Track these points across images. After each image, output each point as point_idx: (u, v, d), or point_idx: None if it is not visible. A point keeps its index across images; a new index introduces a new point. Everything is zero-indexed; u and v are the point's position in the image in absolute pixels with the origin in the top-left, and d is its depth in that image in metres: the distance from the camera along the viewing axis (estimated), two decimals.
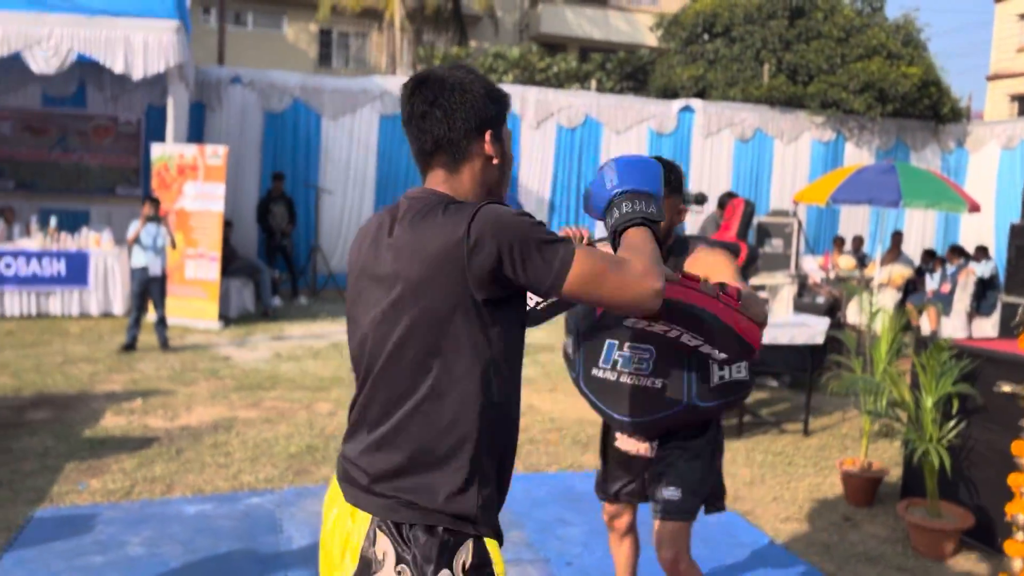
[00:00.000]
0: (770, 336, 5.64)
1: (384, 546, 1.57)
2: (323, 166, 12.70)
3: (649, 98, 14.45)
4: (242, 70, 12.67)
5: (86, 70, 11.25)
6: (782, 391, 7.12)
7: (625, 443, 2.72)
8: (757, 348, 2.36)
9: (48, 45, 8.95)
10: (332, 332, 9.18)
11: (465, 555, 1.57)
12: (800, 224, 9.09)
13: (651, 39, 21.01)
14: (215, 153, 9.30)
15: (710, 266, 2.49)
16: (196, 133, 11.95)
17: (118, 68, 9.15)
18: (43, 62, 8.99)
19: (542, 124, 13.50)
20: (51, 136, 11.90)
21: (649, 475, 2.65)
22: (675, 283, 2.18)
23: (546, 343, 9.06)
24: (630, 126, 13.71)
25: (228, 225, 10.41)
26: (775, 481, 4.88)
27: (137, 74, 9.21)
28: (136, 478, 4.49)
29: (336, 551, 1.65)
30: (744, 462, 5.20)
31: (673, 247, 2.60)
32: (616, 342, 2.52)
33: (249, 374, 7.00)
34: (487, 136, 1.66)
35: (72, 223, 10.98)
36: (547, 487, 4.54)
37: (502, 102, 1.70)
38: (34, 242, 9.56)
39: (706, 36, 15.25)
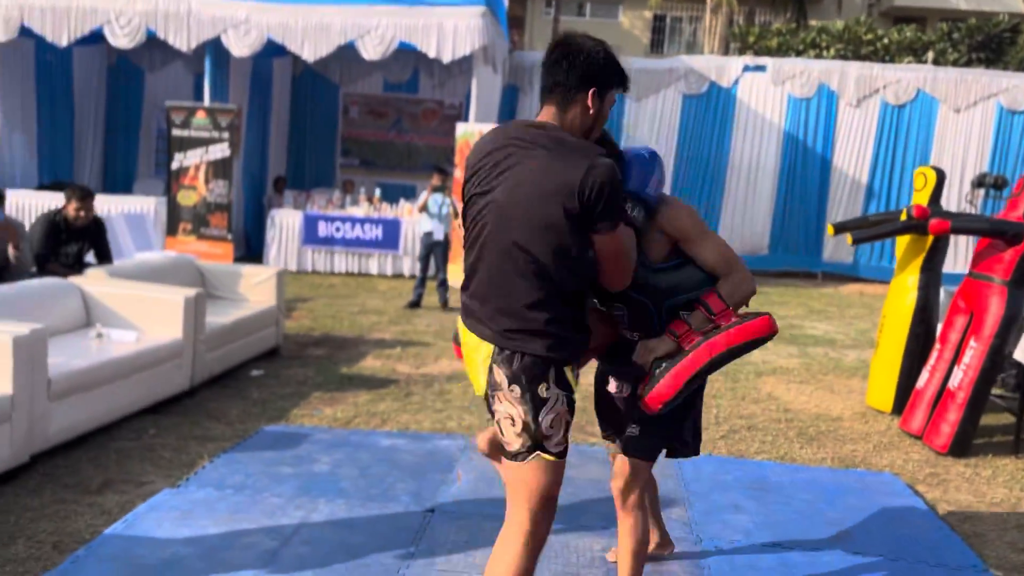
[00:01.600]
0: None
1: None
2: (624, 146, 12.77)
3: (1003, 71, 12.48)
4: None
5: (420, 59, 12.48)
6: None
7: (612, 386, 2.81)
8: (772, 330, 2.44)
9: (376, 34, 10.10)
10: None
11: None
12: None
13: None
14: None
15: (679, 230, 2.54)
16: (509, 114, 12.73)
17: (431, 52, 10.06)
18: (372, 49, 10.16)
19: (863, 101, 12.31)
20: (389, 119, 13.44)
21: (624, 413, 2.75)
22: (683, 355, 2.41)
23: (826, 337, 8.33)
24: (974, 102, 11.98)
25: None
26: None
27: (446, 57, 10.04)
28: (361, 411, 4.98)
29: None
30: (1003, 482, 4.36)
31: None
32: (595, 302, 2.62)
33: None
34: (591, 92, 2.20)
35: (399, 196, 12.31)
36: (738, 473, 4.21)
37: (615, 75, 2.25)
38: (360, 210, 10.91)
39: None
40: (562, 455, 2.25)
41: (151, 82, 13.38)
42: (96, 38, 10.66)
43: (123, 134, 13.62)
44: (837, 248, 12.63)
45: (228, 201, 10.41)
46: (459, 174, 9.89)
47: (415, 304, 8.46)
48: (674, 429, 2.67)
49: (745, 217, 12.84)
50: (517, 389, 2.18)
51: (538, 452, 2.21)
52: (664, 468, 4.18)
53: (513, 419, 2.19)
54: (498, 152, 2.22)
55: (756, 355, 7.16)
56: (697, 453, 2.79)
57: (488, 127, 9.98)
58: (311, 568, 2.98)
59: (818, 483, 4.14)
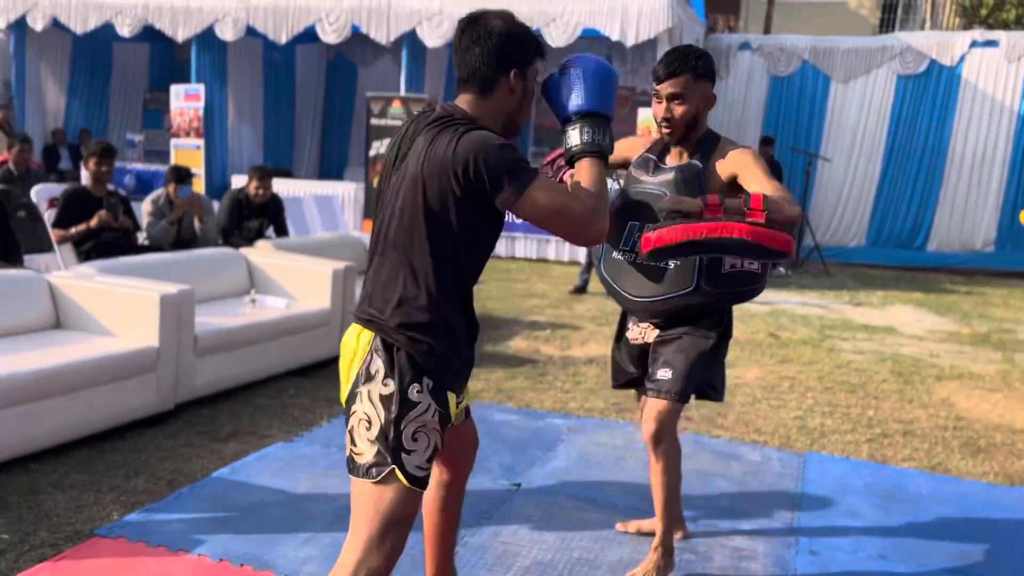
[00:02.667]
0: None
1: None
2: (827, 132, 11.98)
3: None
4: (752, 36, 12.62)
5: (612, 46, 12.37)
6: None
7: (634, 332, 2.85)
8: (788, 251, 2.30)
9: (561, 21, 10.14)
10: (783, 301, 8.76)
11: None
12: None
13: None
14: None
15: (739, 164, 2.54)
16: None
17: (615, 36, 9.97)
18: (557, 36, 10.21)
19: None
20: None
21: (650, 358, 2.75)
22: (702, 220, 2.28)
23: None
24: None
25: None
26: None
27: (629, 41, 9.91)
28: (491, 387, 5.03)
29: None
30: None
31: (701, 141, 2.66)
32: (638, 223, 2.57)
33: None
34: (511, 74, 1.97)
35: None
36: (870, 478, 3.80)
37: (532, 48, 2.01)
38: None
39: None
40: (418, 483, 1.92)
41: (363, 76, 14.32)
42: (314, 36, 11.54)
43: (337, 125, 14.69)
44: None
45: None
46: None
47: (580, 289, 8.42)
48: (705, 372, 2.72)
49: (967, 212, 11.58)
50: (391, 384, 1.90)
51: (393, 468, 1.89)
52: (784, 466, 3.89)
53: (370, 422, 1.90)
54: (403, 141, 2.01)
55: (944, 359, 6.45)
56: (722, 399, 2.87)
57: None
58: None
59: (966, 498, 3.64)
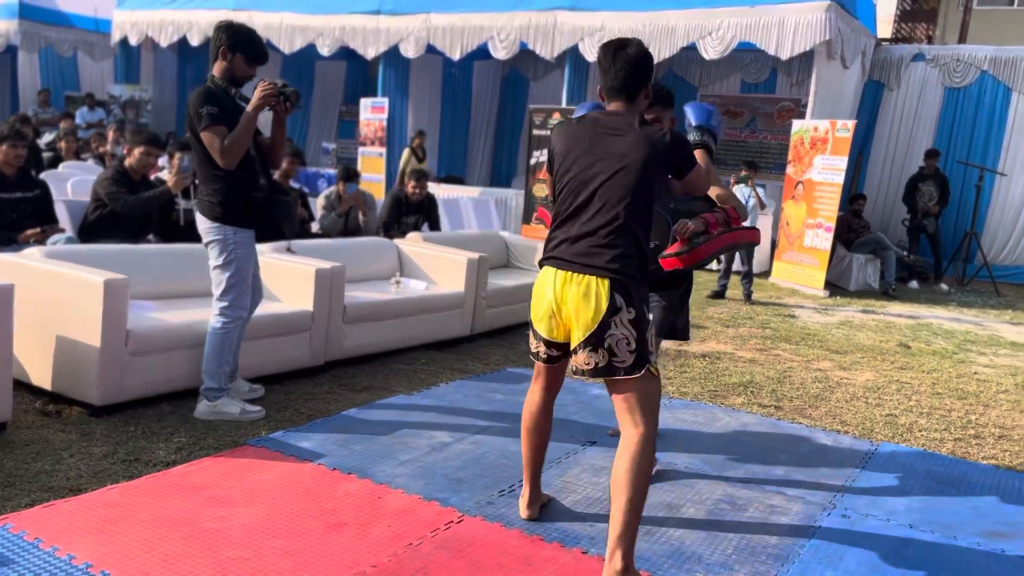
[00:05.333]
0: None
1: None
2: (1006, 146, 11.42)
3: None
4: (927, 46, 12.26)
5: (777, 59, 12.45)
6: None
7: None
8: (759, 239, 3.59)
9: (716, 35, 10.43)
10: (934, 316, 8.57)
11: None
12: None
13: None
14: (844, 127, 9.50)
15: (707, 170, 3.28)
16: (870, 112, 12.12)
17: (771, 50, 10.11)
18: (711, 50, 10.51)
19: None
20: (743, 119, 13.56)
21: None
22: (722, 235, 3.26)
23: None
24: None
25: (861, 199, 10.46)
26: None
27: (785, 54, 10.02)
28: None
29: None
30: None
31: None
32: None
33: (792, 329, 7.30)
34: (648, 87, 2.87)
35: None
36: (936, 467, 3.96)
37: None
38: None
39: None
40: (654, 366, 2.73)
41: (534, 89, 15.15)
42: (488, 53, 12.46)
43: (508, 136, 15.61)
44: None
45: None
46: (793, 168, 9.78)
47: (719, 294, 8.68)
48: (676, 319, 3.63)
49: None
50: (633, 311, 2.62)
51: (647, 366, 2.64)
52: (852, 450, 4.13)
53: (628, 340, 2.61)
54: (587, 136, 2.80)
55: None
56: (688, 338, 3.86)
57: (822, 123, 9.74)
58: (461, 461, 3.66)
59: None
